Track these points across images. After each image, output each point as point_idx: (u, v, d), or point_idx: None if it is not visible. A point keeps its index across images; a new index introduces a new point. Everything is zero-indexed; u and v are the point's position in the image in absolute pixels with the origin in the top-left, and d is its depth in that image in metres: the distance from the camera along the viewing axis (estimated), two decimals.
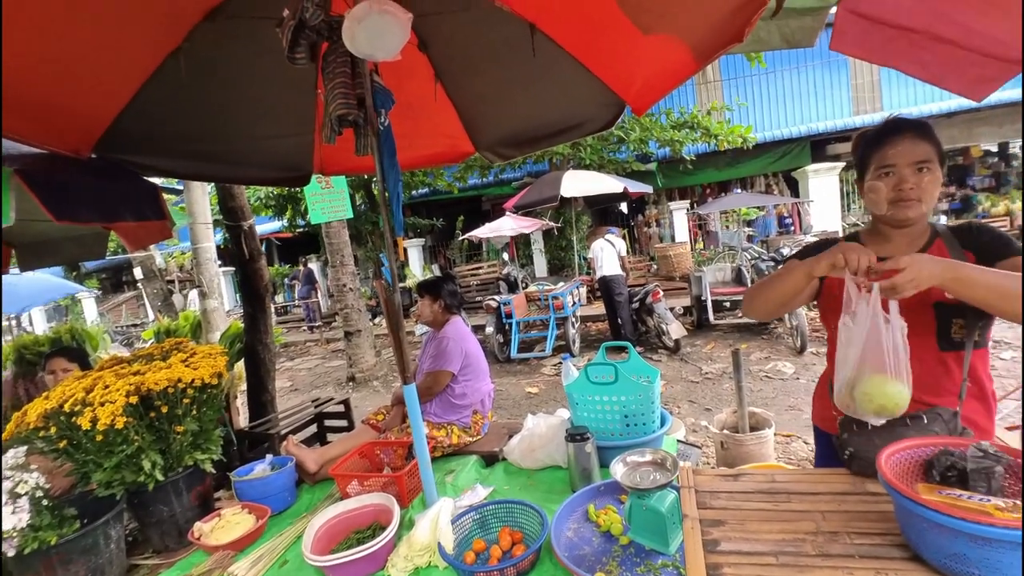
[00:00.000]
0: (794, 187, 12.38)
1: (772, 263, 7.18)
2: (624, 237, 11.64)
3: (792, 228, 12.27)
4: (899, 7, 1.68)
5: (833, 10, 1.66)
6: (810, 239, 7.86)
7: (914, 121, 1.24)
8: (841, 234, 8.93)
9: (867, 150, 1.27)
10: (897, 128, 1.23)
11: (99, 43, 1.53)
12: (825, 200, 10.82)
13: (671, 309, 6.75)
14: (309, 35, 1.49)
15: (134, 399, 1.64)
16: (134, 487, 1.71)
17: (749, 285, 7.08)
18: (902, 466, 1.03)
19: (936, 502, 0.86)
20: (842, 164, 11.04)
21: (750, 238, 10.47)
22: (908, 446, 1.05)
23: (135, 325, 14.13)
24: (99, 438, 1.57)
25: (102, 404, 1.58)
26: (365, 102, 1.55)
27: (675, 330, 6.32)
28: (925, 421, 1.12)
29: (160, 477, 1.73)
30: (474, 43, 2.02)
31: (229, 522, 1.76)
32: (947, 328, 1.14)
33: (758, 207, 11.53)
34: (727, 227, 12.41)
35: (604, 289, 6.80)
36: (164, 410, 1.73)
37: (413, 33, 1.86)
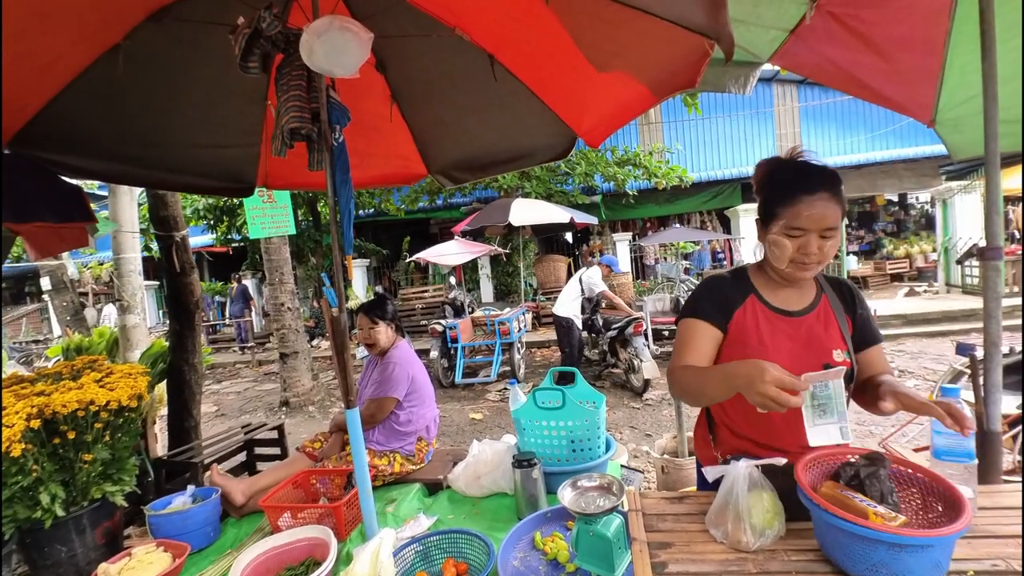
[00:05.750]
0: (726, 224, 13.41)
1: None
2: (570, 265, 11.96)
3: (724, 262, 13.09)
4: (821, 69, 1.89)
5: (767, 65, 1.84)
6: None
7: (829, 176, 1.15)
8: None
9: (776, 199, 1.19)
10: (811, 186, 1.13)
11: (25, 30, 1.41)
12: (754, 237, 11.64)
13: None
14: (264, 45, 1.45)
15: (36, 423, 1.47)
16: (27, 524, 1.52)
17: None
18: (818, 478, 1.10)
19: (829, 503, 0.95)
20: None
21: (687, 270, 11.04)
22: (820, 456, 1.11)
23: (37, 341, 12.68)
24: None
25: None
26: (320, 117, 1.52)
27: (648, 369, 5.56)
28: None
29: (60, 512, 1.55)
30: (433, 68, 2.04)
31: (141, 562, 1.58)
32: None
33: (694, 241, 12.23)
34: (666, 259, 13.05)
35: (557, 327, 6.39)
36: (71, 436, 1.56)
37: (372, 53, 1.86)
